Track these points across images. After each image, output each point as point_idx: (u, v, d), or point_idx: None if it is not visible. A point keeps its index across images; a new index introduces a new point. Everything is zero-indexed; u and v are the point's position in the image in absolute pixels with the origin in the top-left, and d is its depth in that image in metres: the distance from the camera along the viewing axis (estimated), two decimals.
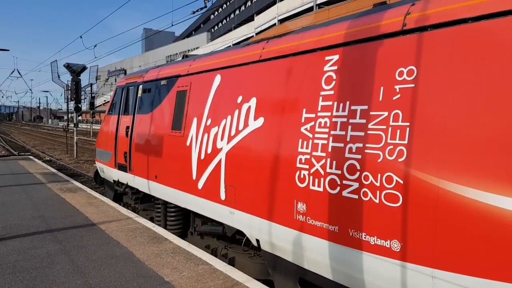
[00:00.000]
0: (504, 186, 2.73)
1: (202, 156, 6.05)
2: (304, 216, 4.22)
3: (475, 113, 2.96)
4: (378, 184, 3.47)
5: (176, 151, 6.82)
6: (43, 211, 8.32)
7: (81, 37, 21.17)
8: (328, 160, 3.95)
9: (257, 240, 5.08)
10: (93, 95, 40.48)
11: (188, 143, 6.47)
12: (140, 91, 8.71)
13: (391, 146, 3.41)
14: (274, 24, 44.71)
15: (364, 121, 3.68)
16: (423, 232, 3.14)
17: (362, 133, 3.68)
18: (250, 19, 57.02)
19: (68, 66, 21.97)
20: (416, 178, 3.20)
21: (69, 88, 23.98)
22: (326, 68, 4.24)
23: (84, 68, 22.44)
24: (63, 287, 4.63)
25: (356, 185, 3.66)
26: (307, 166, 4.18)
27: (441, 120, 3.14)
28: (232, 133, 5.44)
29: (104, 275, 4.98)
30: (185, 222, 7.61)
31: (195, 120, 6.40)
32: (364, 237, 3.58)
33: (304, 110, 4.37)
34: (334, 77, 4.12)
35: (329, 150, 3.96)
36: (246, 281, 4.81)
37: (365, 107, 3.70)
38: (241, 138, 5.26)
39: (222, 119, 5.72)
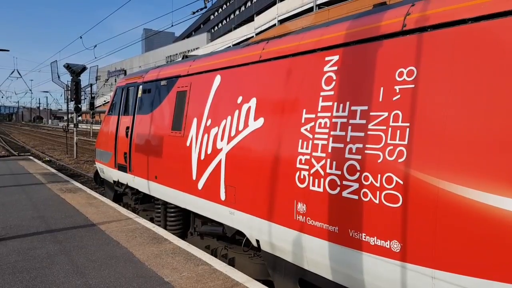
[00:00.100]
0: (504, 186, 2.73)
1: (202, 157, 6.05)
2: (304, 217, 4.22)
3: (475, 113, 2.96)
4: (378, 185, 3.47)
5: (176, 151, 6.82)
6: (43, 212, 8.32)
7: (81, 37, 21.19)
8: (328, 160, 3.95)
9: (257, 241, 5.08)
10: (93, 95, 40.49)
11: (188, 144, 6.47)
12: (140, 92, 8.72)
13: (391, 147, 3.41)
14: (274, 25, 44.75)
15: (364, 121, 3.68)
16: (423, 232, 3.14)
17: (362, 134, 3.68)
18: (250, 19, 57.04)
19: (68, 67, 21.98)
20: (416, 179, 3.20)
21: (69, 88, 24.00)
22: (326, 68, 4.25)
23: (84, 69, 22.46)
24: None
25: (356, 185, 3.66)
26: (307, 167, 4.18)
27: (441, 121, 3.14)
28: (232, 134, 5.44)
29: (104, 276, 4.97)
30: (185, 223, 7.61)
31: (195, 120, 6.40)
32: (364, 238, 3.58)
33: (304, 110, 4.37)
34: (334, 77, 4.12)
35: (329, 150, 3.96)
36: (246, 282, 4.81)
37: (365, 107, 3.70)
38: (241, 138, 5.26)
39: (222, 120, 5.72)
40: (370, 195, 3.54)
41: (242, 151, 5.23)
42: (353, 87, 3.88)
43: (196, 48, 67.50)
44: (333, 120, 3.99)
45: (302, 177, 4.24)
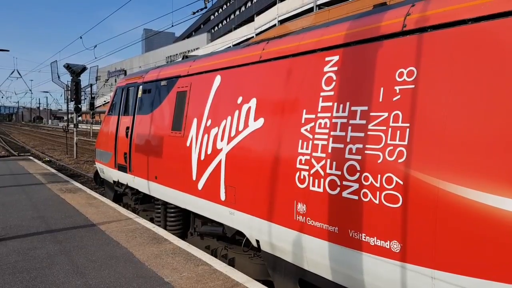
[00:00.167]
0: (503, 187, 2.73)
1: (202, 157, 6.05)
2: (304, 217, 4.22)
3: (474, 114, 2.96)
4: (378, 185, 3.47)
5: (176, 151, 6.83)
6: (43, 212, 8.32)
7: (81, 37, 21.19)
8: (328, 161, 3.95)
9: (257, 241, 5.08)
10: (93, 95, 40.50)
11: (188, 144, 6.48)
12: (140, 92, 8.72)
13: (391, 147, 3.41)
14: (274, 25, 44.74)
15: (364, 122, 3.68)
16: (423, 233, 3.14)
17: (362, 134, 3.68)
18: (250, 19, 57.05)
19: (68, 67, 21.99)
20: (416, 179, 3.21)
21: (69, 88, 24.00)
22: (326, 69, 4.25)
23: (84, 69, 22.46)
24: None
25: (356, 186, 3.66)
26: (307, 167, 4.19)
27: (441, 121, 3.14)
28: (232, 134, 5.44)
29: (104, 276, 4.98)
30: (185, 223, 7.61)
31: (195, 120, 6.40)
32: (364, 238, 3.58)
33: (304, 111, 4.37)
34: (334, 78, 4.12)
35: (329, 151, 3.97)
36: (246, 282, 4.81)
37: (365, 108, 3.70)
38: (241, 138, 5.27)
39: (222, 120, 5.72)
40: (370, 195, 3.54)
41: (242, 151, 5.23)
42: (353, 87, 3.88)
43: (196, 48, 67.51)
44: (333, 120, 4.00)
45: (302, 177, 4.24)
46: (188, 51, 70.00)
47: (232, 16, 71.08)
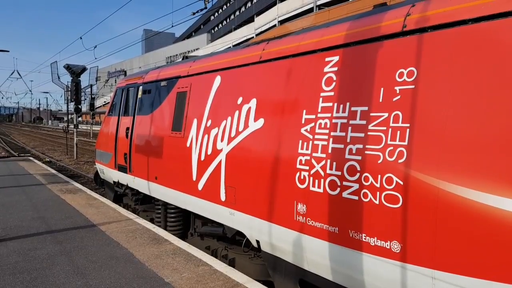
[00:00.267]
0: (504, 187, 2.73)
1: (202, 157, 6.05)
2: (304, 217, 4.22)
3: (475, 114, 2.97)
4: (378, 185, 3.48)
5: (176, 152, 6.83)
6: (43, 212, 8.32)
7: (81, 38, 21.18)
8: (328, 161, 3.96)
9: (257, 241, 5.08)
10: (93, 96, 40.49)
11: (188, 144, 6.48)
12: (140, 92, 8.72)
13: (391, 147, 3.41)
14: (274, 25, 44.76)
15: (364, 122, 3.69)
16: (423, 233, 3.14)
17: (362, 134, 3.68)
18: (250, 20, 57.08)
19: (68, 67, 21.99)
20: (416, 179, 3.21)
21: (69, 89, 24.02)
22: (326, 69, 4.25)
23: (84, 69, 22.47)
24: None
25: (356, 186, 3.66)
26: (307, 167, 4.19)
27: (441, 121, 3.14)
28: (232, 134, 5.44)
29: (104, 276, 4.98)
30: (185, 223, 7.61)
31: (195, 121, 6.40)
32: (364, 238, 3.59)
33: (304, 111, 4.37)
34: (334, 78, 4.12)
35: (329, 151, 3.97)
36: (246, 282, 4.81)
37: (365, 108, 3.70)
38: (241, 139, 5.27)
39: (222, 120, 5.72)
40: (370, 195, 3.54)
41: (242, 151, 5.24)
42: (353, 87, 3.89)
43: (196, 49, 67.55)
44: (333, 120, 4.00)
45: (302, 177, 4.24)
46: (188, 51, 70.03)
47: (232, 17, 71.12)
